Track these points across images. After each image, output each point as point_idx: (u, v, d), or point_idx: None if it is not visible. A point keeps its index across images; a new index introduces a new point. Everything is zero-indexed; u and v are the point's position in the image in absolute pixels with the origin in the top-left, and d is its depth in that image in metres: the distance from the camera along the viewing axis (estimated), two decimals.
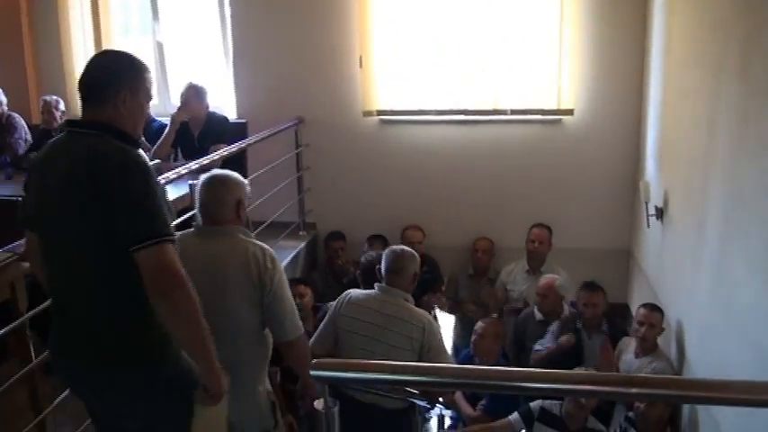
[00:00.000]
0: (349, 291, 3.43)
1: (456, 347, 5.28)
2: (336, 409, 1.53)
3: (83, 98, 2.07)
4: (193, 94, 4.86)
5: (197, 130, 4.92)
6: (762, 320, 2.68)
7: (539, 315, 4.58)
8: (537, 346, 4.36)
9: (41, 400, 2.93)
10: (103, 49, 3.86)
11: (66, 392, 2.80)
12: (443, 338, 3.48)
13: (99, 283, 2.02)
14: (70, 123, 2.13)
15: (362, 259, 3.91)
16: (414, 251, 3.47)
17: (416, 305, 3.63)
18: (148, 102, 2.16)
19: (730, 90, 3.22)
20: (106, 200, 1.88)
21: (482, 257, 5.44)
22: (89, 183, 1.88)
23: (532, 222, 5.25)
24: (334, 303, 3.42)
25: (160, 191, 1.99)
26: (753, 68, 2.93)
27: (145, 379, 2.05)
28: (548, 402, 3.70)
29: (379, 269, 3.39)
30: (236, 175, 2.76)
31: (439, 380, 1.61)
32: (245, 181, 2.75)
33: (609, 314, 4.40)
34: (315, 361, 1.52)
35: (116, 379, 2.05)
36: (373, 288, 3.35)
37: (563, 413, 3.62)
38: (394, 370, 1.57)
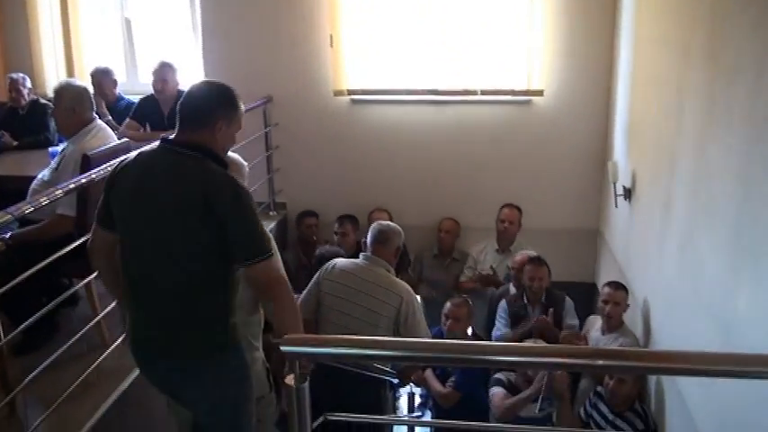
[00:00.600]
0: (335, 259, 3.65)
1: None
2: (306, 385, 1.53)
3: (182, 120, 2.27)
4: (168, 71, 4.81)
5: (167, 108, 4.86)
6: (726, 296, 2.73)
7: (513, 290, 4.67)
8: (495, 332, 4.49)
9: (11, 381, 2.91)
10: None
11: (36, 372, 2.79)
12: (423, 315, 3.60)
13: (187, 285, 2.27)
14: (168, 141, 2.29)
15: (317, 252, 4.04)
16: (399, 227, 3.74)
17: None
18: (237, 131, 2.37)
19: (698, 71, 3.26)
20: (220, 223, 2.17)
21: (445, 238, 5.48)
22: (204, 206, 2.16)
23: (501, 203, 5.29)
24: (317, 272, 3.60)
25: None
26: (720, 50, 2.96)
27: (216, 367, 2.32)
28: (501, 374, 3.94)
29: (365, 242, 3.64)
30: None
31: (411, 354, 1.61)
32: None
33: (549, 289, 4.49)
34: (285, 336, 1.52)
35: (189, 367, 2.29)
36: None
37: (519, 383, 3.83)
38: (367, 345, 1.57)
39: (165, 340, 2.33)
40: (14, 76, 5.19)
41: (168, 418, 3.62)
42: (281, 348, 1.50)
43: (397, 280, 3.54)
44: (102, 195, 2.38)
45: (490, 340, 4.52)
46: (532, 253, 4.68)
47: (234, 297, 2.33)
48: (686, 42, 3.44)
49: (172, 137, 2.30)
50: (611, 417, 3.66)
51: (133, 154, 2.42)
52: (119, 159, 2.52)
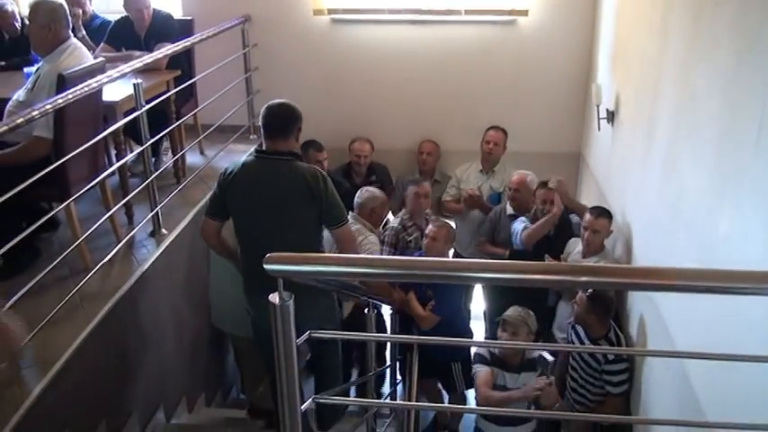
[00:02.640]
0: None
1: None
2: (291, 303, 1.54)
3: (271, 134, 3.12)
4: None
5: (143, 31, 4.71)
6: (707, 217, 2.75)
7: (509, 209, 4.71)
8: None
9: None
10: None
11: (17, 296, 2.77)
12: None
13: (293, 248, 2.63)
14: (263, 152, 3.16)
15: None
16: (378, 193, 4.28)
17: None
18: None
19: None
20: (318, 201, 3.08)
21: (426, 159, 5.47)
22: (307, 190, 3.06)
23: (483, 125, 5.26)
24: None
25: None
26: None
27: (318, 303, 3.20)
28: (482, 349, 3.91)
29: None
30: None
31: (386, 271, 1.62)
32: None
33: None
34: (269, 255, 1.52)
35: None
36: None
37: (501, 354, 3.77)
38: (347, 262, 1.57)
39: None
40: (6, 7, 4.85)
41: (151, 339, 3.71)
42: (265, 266, 1.50)
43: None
44: (216, 194, 3.24)
45: None
46: (529, 173, 4.71)
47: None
48: None
49: (264, 147, 3.16)
50: (587, 342, 3.74)
51: (238, 163, 3.18)
52: (226, 167, 3.24)
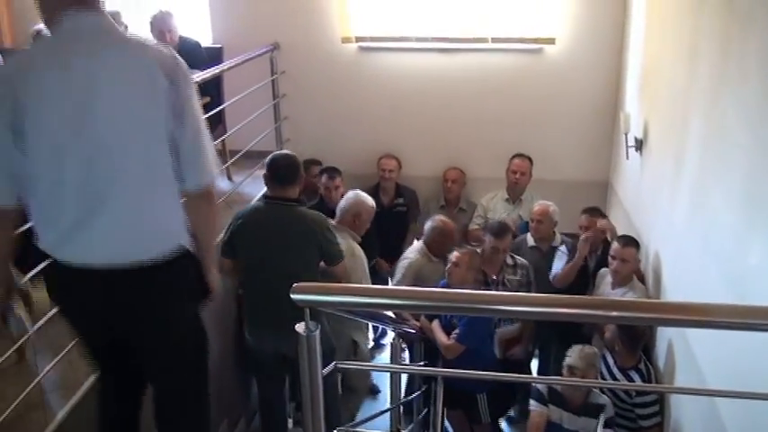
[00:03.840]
0: None
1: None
2: (317, 333, 1.53)
3: (279, 182, 3.47)
4: (159, 21, 4.74)
5: None
6: (738, 249, 2.70)
7: (531, 241, 4.66)
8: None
9: None
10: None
11: (44, 320, 2.79)
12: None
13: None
14: (271, 198, 3.50)
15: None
16: (364, 198, 4.17)
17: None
18: None
19: (713, 19, 3.17)
20: (322, 243, 3.45)
21: (452, 187, 5.43)
22: (312, 235, 3.42)
23: (509, 153, 5.24)
24: None
25: None
26: None
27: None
28: (541, 385, 3.75)
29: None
30: None
31: (417, 303, 1.61)
32: None
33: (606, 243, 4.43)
34: (295, 285, 1.51)
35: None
36: None
37: (562, 391, 3.65)
38: (374, 293, 1.56)
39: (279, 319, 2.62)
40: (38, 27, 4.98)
41: None
42: (292, 296, 1.49)
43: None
44: (227, 237, 3.50)
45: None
46: (551, 204, 4.65)
47: None
48: None
49: (272, 194, 3.49)
50: (617, 374, 3.66)
51: (248, 209, 3.57)
52: (237, 213, 3.60)
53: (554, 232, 4.65)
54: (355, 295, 1.53)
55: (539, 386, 3.75)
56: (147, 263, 1.94)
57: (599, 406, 3.59)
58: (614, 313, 1.51)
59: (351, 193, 4.24)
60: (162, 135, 1.88)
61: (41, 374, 2.76)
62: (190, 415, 2.29)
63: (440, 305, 1.59)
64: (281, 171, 3.47)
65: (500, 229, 4.36)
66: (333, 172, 4.92)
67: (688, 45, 3.52)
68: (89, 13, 1.85)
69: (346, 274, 3.64)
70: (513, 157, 5.15)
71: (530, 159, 5.14)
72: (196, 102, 2.00)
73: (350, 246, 3.93)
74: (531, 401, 3.74)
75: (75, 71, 1.81)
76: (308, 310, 1.51)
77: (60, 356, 2.84)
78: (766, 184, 2.47)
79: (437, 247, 4.47)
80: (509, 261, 4.42)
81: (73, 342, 2.90)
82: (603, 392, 3.64)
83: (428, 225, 4.54)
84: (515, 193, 5.14)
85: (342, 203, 4.18)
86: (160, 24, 4.75)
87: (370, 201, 4.23)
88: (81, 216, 1.88)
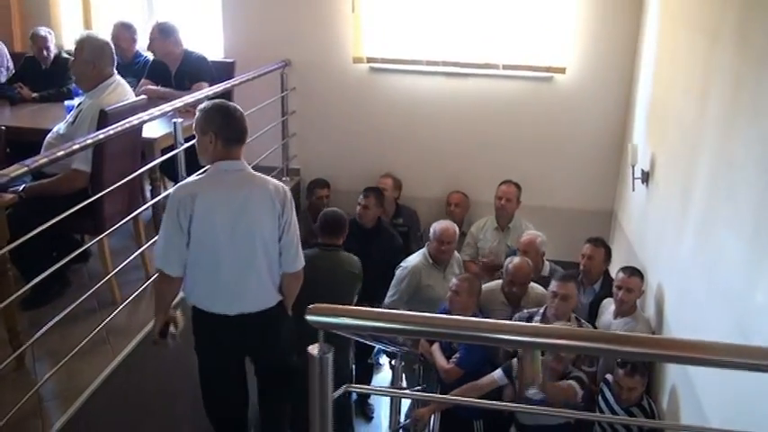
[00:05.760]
0: None
1: None
2: (330, 356, 1.52)
3: (329, 234, 4.01)
4: (156, 33, 4.73)
5: (173, 69, 4.81)
6: (744, 286, 2.70)
7: None
8: None
9: (21, 335, 2.91)
10: None
11: (46, 327, 2.78)
12: None
13: None
14: (323, 245, 4.00)
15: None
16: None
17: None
18: None
19: (725, 56, 3.19)
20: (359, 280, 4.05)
21: (455, 211, 5.43)
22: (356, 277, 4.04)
23: (516, 179, 5.22)
24: None
25: None
26: (749, 36, 2.90)
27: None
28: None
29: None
30: None
31: (430, 329, 1.60)
32: None
33: (606, 274, 4.43)
34: (311, 306, 1.51)
35: None
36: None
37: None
38: (391, 318, 1.55)
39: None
40: (42, 32, 5.03)
41: (173, 377, 3.68)
42: (307, 317, 1.49)
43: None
44: None
45: None
46: (539, 234, 4.61)
47: None
48: (715, 26, 3.36)
49: (322, 242, 4.01)
50: (616, 408, 3.63)
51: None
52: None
53: (543, 261, 4.61)
54: (372, 320, 1.52)
55: (514, 364, 3.75)
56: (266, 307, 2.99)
57: (575, 378, 3.63)
58: (620, 348, 1.52)
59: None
60: (275, 238, 2.92)
61: (40, 383, 2.74)
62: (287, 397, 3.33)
63: (457, 333, 1.59)
64: (333, 226, 4.03)
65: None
66: (367, 191, 4.87)
67: (699, 81, 3.54)
68: (234, 162, 2.87)
69: None
70: (501, 183, 5.10)
71: (517, 185, 5.07)
72: (295, 217, 2.98)
73: None
74: (497, 372, 3.75)
75: (235, 198, 2.83)
76: (321, 333, 1.51)
77: (60, 365, 2.82)
78: None
79: (435, 251, 4.46)
80: (573, 323, 4.01)
81: (73, 352, 2.90)
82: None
83: (431, 228, 4.52)
84: (503, 220, 5.09)
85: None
86: (116, 36, 4.79)
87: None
88: (227, 283, 2.88)
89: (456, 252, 4.73)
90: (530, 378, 3.46)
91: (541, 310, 4.03)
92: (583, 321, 4.05)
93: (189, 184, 2.88)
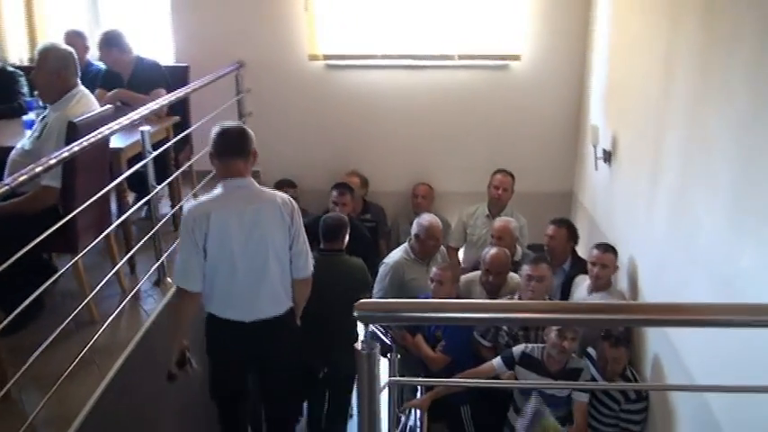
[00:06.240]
0: None
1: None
2: (377, 350, 1.50)
3: (329, 239, 4.06)
4: (101, 44, 4.61)
5: (126, 77, 4.67)
6: (725, 254, 2.79)
7: None
8: None
9: (3, 363, 2.78)
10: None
11: (36, 354, 2.66)
12: None
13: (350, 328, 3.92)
14: (324, 251, 4.02)
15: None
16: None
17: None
18: None
19: (689, 37, 3.28)
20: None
21: (421, 203, 5.46)
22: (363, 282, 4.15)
23: (478, 166, 5.32)
24: None
25: None
26: (717, 15, 2.98)
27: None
28: (530, 346, 3.75)
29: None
30: None
31: (468, 315, 1.60)
32: None
33: (574, 253, 4.50)
34: (358, 303, 1.49)
35: None
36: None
37: (544, 356, 3.67)
38: (434, 308, 1.55)
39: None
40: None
41: (162, 391, 3.58)
42: (356, 313, 1.48)
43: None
44: None
45: None
46: (512, 220, 4.66)
47: None
48: (678, 5, 3.45)
49: (324, 247, 4.05)
50: (601, 381, 3.71)
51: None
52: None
53: (516, 247, 4.65)
54: (418, 311, 1.51)
55: (514, 351, 3.76)
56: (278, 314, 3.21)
57: (577, 370, 3.65)
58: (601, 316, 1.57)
59: None
60: (286, 248, 3.12)
61: (34, 413, 2.62)
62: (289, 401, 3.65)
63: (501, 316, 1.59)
64: (333, 230, 4.08)
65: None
66: (342, 188, 4.84)
67: (662, 64, 3.64)
68: (241, 180, 3.06)
69: None
70: (495, 172, 5.12)
71: (511, 175, 5.10)
72: (302, 226, 3.16)
73: None
74: (496, 360, 3.77)
75: (246, 213, 3.02)
76: (369, 329, 1.49)
77: (51, 392, 2.70)
78: (754, 191, 2.58)
79: (421, 247, 4.45)
80: None
81: (63, 376, 2.78)
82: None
83: (414, 224, 4.51)
84: (496, 209, 5.12)
85: None
86: (69, 44, 4.65)
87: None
88: (242, 292, 3.09)
89: (441, 246, 4.74)
90: None
91: (516, 297, 4.07)
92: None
93: (202, 204, 3.05)
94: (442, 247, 4.79)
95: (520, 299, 4.00)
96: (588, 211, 5.21)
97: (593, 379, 3.70)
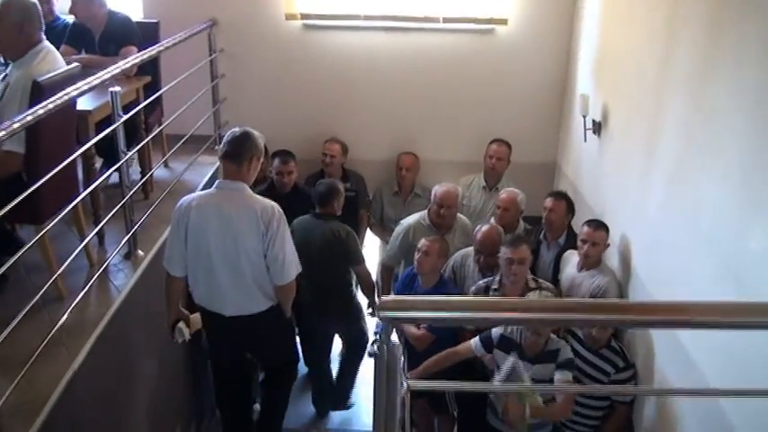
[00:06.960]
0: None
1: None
2: (401, 347, 1.37)
3: (321, 203, 4.26)
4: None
5: (98, 33, 4.38)
6: (734, 233, 2.69)
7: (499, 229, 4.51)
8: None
9: None
10: None
11: (5, 333, 2.46)
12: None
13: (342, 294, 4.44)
14: (317, 214, 4.27)
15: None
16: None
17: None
18: None
19: (696, 5, 3.14)
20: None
21: (406, 175, 5.24)
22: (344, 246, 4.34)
23: (462, 134, 5.20)
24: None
25: None
26: None
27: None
28: (509, 329, 3.63)
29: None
30: None
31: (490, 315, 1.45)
32: None
33: (570, 228, 4.38)
34: (380, 301, 1.36)
35: None
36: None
37: (523, 340, 3.56)
38: (457, 307, 1.40)
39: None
40: None
41: (136, 370, 3.42)
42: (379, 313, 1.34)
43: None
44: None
45: None
46: (519, 192, 4.53)
47: None
48: None
49: (318, 211, 4.27)
50: (589, 356, 3.63)
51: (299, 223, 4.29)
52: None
53: (518, 221, 4.53)
54: (442, 310, 1.36)
55: (492, 333, 3.65)
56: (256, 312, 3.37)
57: (555, 351, 3.54)
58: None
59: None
60: (260, 253, 3.20)
61: (2, 399, 2.41)
62: (282, 389, 3.92)
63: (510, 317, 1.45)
64: (324, 195, 4.24)
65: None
66: (286, 156, 4.66)
67: (664, 26, 3.49)
68: (231, 182, 3.22)
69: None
70: (491, 142, 4.97)
71: (508, 145, 4.95)
72: (282, 234, 3.22)
73: None
74: (474, 340, 3.67)
75: (225, 212, 3.16)
76: (390, 326, 1.34)
77: (20, 377, 2.50)
78: (766, 165, 2.46)
79: (432, 214, 4.42)
80: (531, 284, 3.89)
81: (32, 359, 2.59)
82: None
83: (433, 191, 4.48)
84: (492, 179, 4.98)
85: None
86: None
87: None
88: (219, 287, 3.26)
89: (464, 218, 4.60)
90: (517, 417, 3.35)
91: (497, 278, 3.94)
92: (540, 281, 4.00)
93: (190, 198, 3.26)
94: (465, 219, 4.64)
95: (501, 282, 3.89)
96: (573, 182, 5.09)
97: (577, 356, 3.63)
